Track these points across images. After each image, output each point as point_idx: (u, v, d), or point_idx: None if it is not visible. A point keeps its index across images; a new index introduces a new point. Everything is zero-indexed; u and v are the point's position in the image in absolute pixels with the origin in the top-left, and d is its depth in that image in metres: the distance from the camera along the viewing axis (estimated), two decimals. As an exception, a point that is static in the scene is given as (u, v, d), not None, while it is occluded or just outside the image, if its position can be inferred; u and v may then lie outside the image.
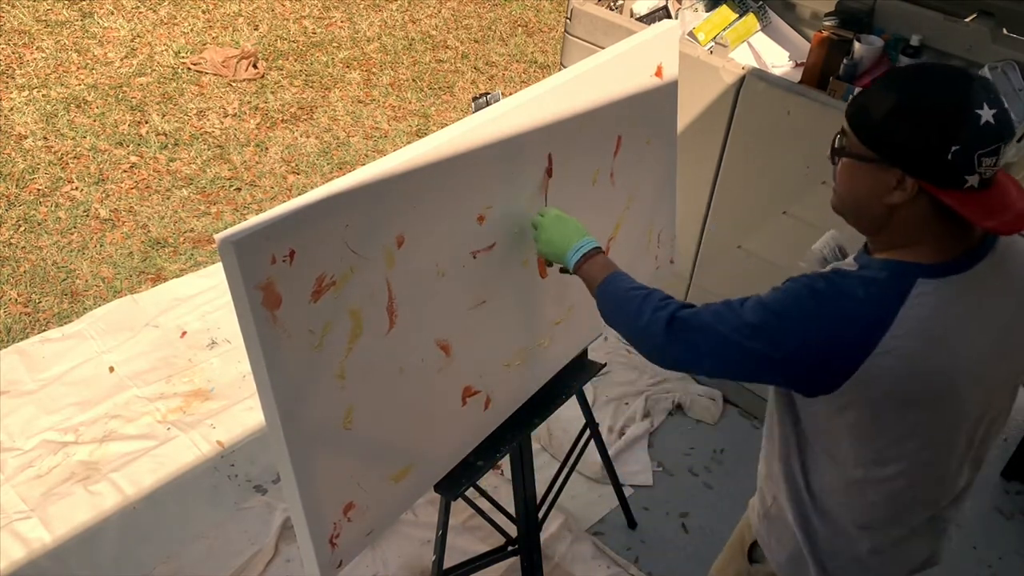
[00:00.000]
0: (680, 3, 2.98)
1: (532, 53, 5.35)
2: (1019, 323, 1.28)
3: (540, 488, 2.16)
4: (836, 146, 1.25)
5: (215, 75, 4.60)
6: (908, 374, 1.20)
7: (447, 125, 1.46)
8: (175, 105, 4.33)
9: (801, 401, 1.32)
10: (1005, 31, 2.58)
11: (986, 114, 1.11)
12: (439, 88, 4.86)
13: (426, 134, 3.21)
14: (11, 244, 3.37)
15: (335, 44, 5.11)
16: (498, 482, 2.65)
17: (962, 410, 1.27)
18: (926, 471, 1.32)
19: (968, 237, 1.22)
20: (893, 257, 1.23)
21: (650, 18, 2.89)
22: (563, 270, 1.62)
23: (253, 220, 1.15)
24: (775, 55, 2.89)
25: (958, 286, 1.21)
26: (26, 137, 3.94)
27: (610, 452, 2.68)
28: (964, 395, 1.25)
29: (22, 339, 3.00)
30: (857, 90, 2.48)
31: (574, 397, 2.11)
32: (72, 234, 3.46)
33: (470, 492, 1.82)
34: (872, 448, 1.29)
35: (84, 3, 5.04)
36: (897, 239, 1.23)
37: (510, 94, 1.54)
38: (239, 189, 3.85)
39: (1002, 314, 1.26)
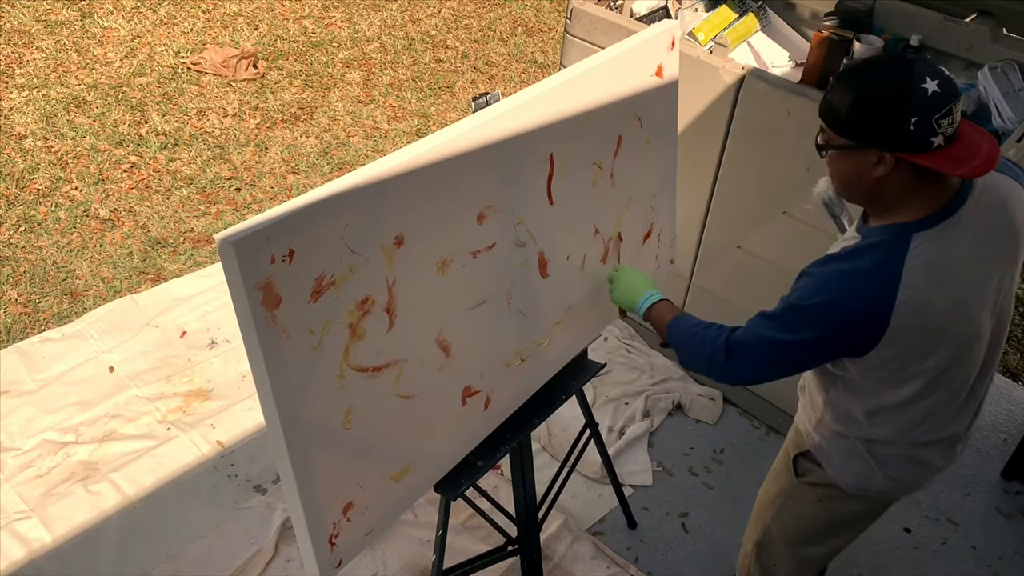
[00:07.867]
0: (680, 3, 2.98)
1: (532, 53, 5.35)
2: (1005, 249, 1.49)
3: (540, 488, 2.16)
4: (819, 143, 1.46)
5: (215, 75, 4.60)
6: (927, 314, 1.40)
7: (447, 125, 1.45)
8: (175, 105, 4.34)
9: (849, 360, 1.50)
10: (1005, 31, 2.58)
11: (931, 85, 1.31)
12: (439, 88, 4.86)
13: (426, 134, 3.22)
14: (11, 244, 3.37)
15: (335, 44, 5.11)
16: (498, 482, 2.65)
17: (977, 332, 1.49)
18: (957, 388, 1.55)
19: (948, 188, 1.42)
20: (888, 222, 1.44)
21: (650, 18, 2.89)
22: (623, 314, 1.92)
23: (252, 220, 1.15)
24: (775, 55, 2.89)
25: (949, 230, 1.41)
26: (26, 137, 3.94)
27: (610, 452, 2.68)
28: (976, 318, 1.47)
29: (22, 339, 3.00)
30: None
31: (574, 397, 2.11)
32: (72, 234, 3.46)
33: (470, 492, 1.82)
34: (913, 379, 1.49)
35: (84, 3, 5.04)
36: (890, 204, 1.43)
37: (510, 94, 1.54)
38: (239, 189, 3.85)
39: (990, 244, 1.46)
